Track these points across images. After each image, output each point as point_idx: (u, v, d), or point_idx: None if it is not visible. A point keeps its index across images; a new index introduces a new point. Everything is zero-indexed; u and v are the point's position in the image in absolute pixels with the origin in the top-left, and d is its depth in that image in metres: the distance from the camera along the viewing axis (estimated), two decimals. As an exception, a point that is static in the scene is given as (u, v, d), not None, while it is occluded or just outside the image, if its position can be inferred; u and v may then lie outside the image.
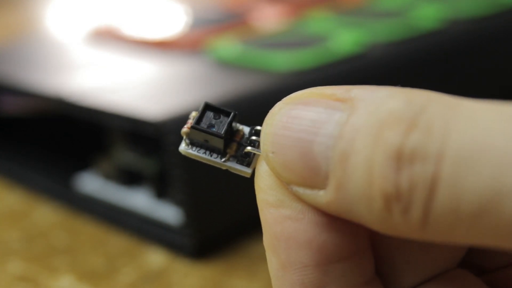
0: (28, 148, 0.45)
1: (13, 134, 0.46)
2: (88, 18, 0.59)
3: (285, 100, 0.18)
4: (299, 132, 0.17)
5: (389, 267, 0.19)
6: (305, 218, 0.17)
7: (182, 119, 0.33)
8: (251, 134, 0.19)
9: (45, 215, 0.39)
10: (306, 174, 0.17)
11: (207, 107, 0.19)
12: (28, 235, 0.37)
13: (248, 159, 0.19)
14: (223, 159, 0.19)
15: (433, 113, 0.15)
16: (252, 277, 0.31)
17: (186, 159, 0.32)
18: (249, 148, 0.19)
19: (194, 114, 0.19)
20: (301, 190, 0.17)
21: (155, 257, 0.34)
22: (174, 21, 0.50)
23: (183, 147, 0.19)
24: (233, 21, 0.48)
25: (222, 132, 0.18)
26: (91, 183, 0.39)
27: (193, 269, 0.32)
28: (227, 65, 0.40)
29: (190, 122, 0.19)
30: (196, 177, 0.32)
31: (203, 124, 0.18)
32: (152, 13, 0.55)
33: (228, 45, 0.42)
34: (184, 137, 0.19)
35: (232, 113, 0.19)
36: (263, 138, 0.18)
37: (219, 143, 0.19)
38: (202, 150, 0.19)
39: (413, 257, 0.19)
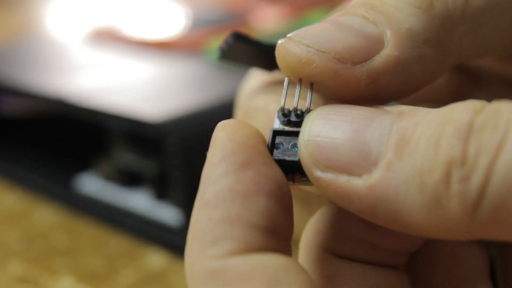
0: (28, 149, 0.45)
1: (14, 135, 0.46)
2: (88, 19, 0.59)
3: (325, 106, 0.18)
4: (352, 120, 0.17)
5: None
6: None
7: (182, 121, 0.33)
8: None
9: (45, 216, 0.39)
10: (352, 159, 0.17)
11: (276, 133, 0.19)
12: (28, 236, 0.37)
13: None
14: None
15: (500, 104, 0.16)
16: (252, 278, 0.31)
17: (185, 160, 0.32)
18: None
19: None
20: (334, 176, 0.17)
21: (155, 258, 0.34)
22: (174, 22, 0.50)
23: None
24: (233, 22, 0.48)
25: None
26: (91, 184, 0.39)
27: (193, 270, 0.32)
28: (227, 65, 0.39)
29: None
30: (196, 178, 0.32)
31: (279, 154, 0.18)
32: (152, 14, 0.55)
33: (228, 46, 0.42)
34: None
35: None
36: (305, 122, 0.18)
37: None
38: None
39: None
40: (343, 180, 0.17)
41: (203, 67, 0.40)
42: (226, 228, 0.16)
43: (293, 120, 0.18)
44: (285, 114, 0.19)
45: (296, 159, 0.18)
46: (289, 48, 0.18)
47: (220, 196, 0.17)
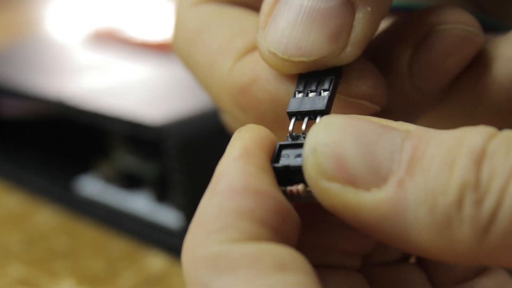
0: (28, 151, 0.45)
1: (14, 137, 0.46)
2: (89, 20, 0.59)
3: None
4: (361, 133, 0.17)
5: None
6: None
7: (182, 123, 0.33)
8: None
9: (46, 218, 0.39)
10: (361, 172, 0.16)
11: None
12: (28, 238, 0.37)
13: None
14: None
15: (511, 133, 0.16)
16: (252, 281, 0.31)
17: (186, 162, 0.32)
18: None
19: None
20: (341, 188, 0.17)
21: (156, 261, 0.34)
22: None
23: None
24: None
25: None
26: (92, 187, 0.39)
27: (193, 273, 0.32)
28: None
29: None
30: (196, 181, 0.32)
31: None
32: (152, 16, 0.55)
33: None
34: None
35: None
36: (312, 131, 0.17)
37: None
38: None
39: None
40: (350, 192, 0.16)
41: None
42: (235, 219, 0.16)
43: (301, 142, 0.18)
44: (293, 137, 0.19)
45: (299, 163, 0.18)
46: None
47: (235, 189, 0.17)
